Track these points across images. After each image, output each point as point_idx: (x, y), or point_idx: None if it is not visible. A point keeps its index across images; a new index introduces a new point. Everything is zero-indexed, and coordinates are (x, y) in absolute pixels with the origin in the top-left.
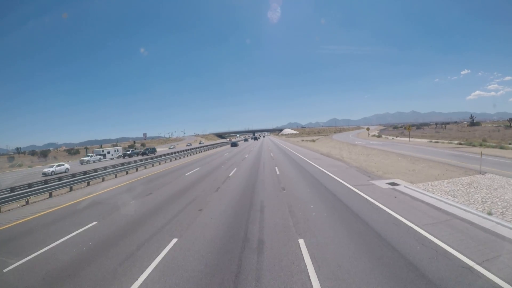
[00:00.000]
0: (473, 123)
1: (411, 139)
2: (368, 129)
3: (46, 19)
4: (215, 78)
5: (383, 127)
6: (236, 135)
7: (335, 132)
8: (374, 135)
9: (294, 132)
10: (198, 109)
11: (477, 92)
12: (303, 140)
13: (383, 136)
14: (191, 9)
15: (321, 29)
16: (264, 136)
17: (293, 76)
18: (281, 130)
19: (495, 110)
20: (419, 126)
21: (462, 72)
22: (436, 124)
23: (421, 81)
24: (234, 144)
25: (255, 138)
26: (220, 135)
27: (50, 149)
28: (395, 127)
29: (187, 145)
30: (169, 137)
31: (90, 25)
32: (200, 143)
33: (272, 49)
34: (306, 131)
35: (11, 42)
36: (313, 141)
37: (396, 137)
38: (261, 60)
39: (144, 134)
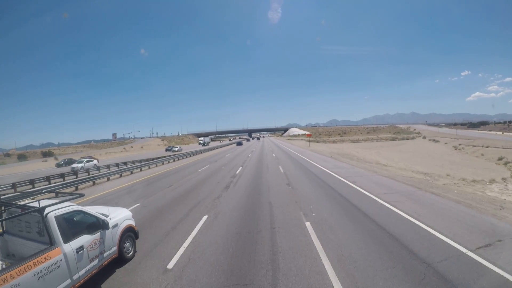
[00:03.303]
0: None
1: None
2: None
3: (46, 18)
4: (212, 77)
5: (436, 127)
6: (204, 136)
7: (368, 132)
8: None
9: (304, 132)
10: (195, 109)
11: (477, 93)
12: None
13: None
14: (188, 8)
15: (320, 30)
16: (263, 137)
17: (292, 77)
18: (285, 130)
19: (495, 111)
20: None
21: (462, 73)
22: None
23: (421, 82)
24: (239, 144)
25: (257, 138)
26: (206, 136)
27: None
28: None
29: None
30: (128, 138)
31: (87, 24)
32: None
33: (270, 49)
34: (319, 131)
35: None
36: None
37: None
38: (259, 60)
39: (114, 135)
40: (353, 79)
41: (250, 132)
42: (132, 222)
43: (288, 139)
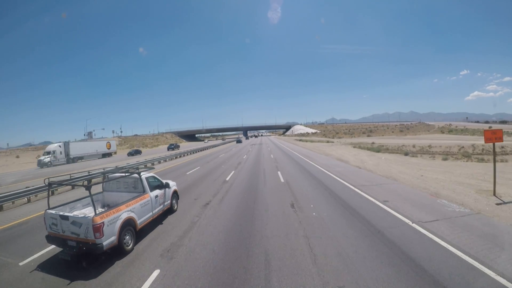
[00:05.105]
0: None
1: None
2: None
3: (46, 18)
4: (208, 76)
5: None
6: (191, 135)
7: (401, 131)
8: None
9: (312, 130)
10: (193, 108)
11: (476, 92)
12: None
13: None
14: (183, 7)
15: (319, 28)
16: (261, 135)
17: (290, 75)
18: (287, 127)
19: (494, 110)
20: None
21: (461, 73)
22: None
23: (420, 81)
24: (238, 141)
25: (255, 137)
26: (192, 135)
27: None
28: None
29: None
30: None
31: (87, 24)
32: None
33: (268, 48)
34: (335, 129)
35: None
36: None
37: None
38: (257, 59)
39: (89, 134)
40: (352, 78)
41: (245, 130)
42: (176, 188)
43: (299, 140)
